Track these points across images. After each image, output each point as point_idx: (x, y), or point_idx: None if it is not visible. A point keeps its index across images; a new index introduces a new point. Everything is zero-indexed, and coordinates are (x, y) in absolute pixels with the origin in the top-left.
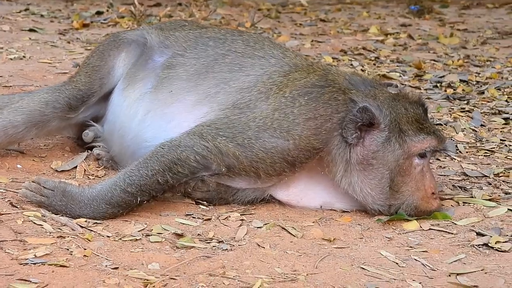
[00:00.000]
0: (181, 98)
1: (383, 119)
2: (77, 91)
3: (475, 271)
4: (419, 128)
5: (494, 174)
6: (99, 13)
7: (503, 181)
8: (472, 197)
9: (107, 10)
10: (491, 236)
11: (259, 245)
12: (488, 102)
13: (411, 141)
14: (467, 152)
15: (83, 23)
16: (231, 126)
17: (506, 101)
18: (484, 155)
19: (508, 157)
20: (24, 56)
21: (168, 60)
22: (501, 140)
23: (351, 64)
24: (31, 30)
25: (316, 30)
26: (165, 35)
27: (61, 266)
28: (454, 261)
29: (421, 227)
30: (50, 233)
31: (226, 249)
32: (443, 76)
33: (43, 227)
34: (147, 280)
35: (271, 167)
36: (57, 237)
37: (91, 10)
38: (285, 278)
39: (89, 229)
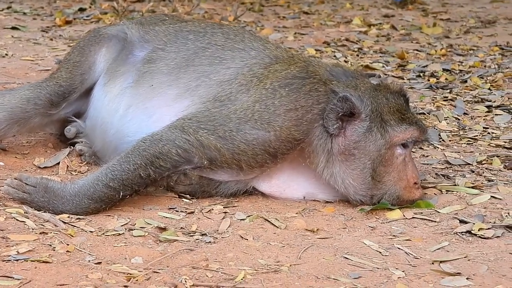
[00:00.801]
0: (162, 92)
1: (364, 109)
2: (58, 87)
3: (458, 259)
4: (401, 118)
5: (477, 162)
6: (81, 9)
7: (486, 169)
8: (455, 185)
9: (90, 7)
10: (474, 224)
11: (242, 237)
12: (471, 90)
13: (393, 131)
14: (450, 140)
15: (65, 20)
16: (212, 119)
17: (489, 89)
18: (467, 143)
19: (491, 144)
20: (6, 54)
21: (148, 54)
22: (484, 128)
23: (334, 56)
24: (13, 28)
25: (299, 23)
26: (145, 29)
27: (43, 262)
28: (437, 249)
29: (404, 216)
30: (32, 229)
31: (209, 242)
32: (426, 66)
33: (25, 224)
34: (130, 274)
35: (253, 159)
36: (40, 233)
37: (73, 7)
38: (268, 269)
39: (72, 225)
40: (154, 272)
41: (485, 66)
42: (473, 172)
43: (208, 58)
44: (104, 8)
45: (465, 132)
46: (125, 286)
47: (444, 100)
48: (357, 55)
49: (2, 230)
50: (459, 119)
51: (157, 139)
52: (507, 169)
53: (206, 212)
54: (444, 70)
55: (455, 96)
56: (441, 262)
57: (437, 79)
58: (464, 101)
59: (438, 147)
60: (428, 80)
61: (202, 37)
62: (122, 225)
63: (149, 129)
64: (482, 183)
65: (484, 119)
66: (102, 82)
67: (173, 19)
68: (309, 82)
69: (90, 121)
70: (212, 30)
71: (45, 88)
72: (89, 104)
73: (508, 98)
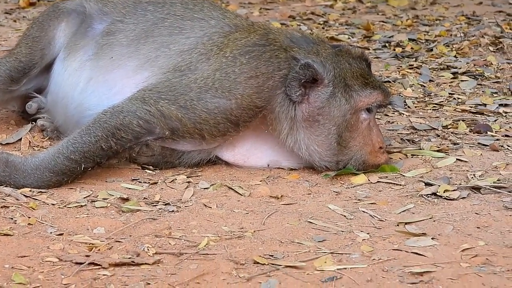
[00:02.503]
0: (122, 64)
1: (327, 74)
2: (18, 63)
3: (423, 220)
4: (364, 82)
5: (442, 126)
6: None
7: (451, 133)
8: (421, 149)
9: None
10: (439, 186)
11: (205, 206)
12: (437, 58)
13: (358, 95)
14: (415, 107)
15: (29, 2)
16: (173, 89)
17: (455, 56)
18: (432, 109)
19: (456, 109)
20: None
21: (107, 27)
22: (449, 93)
23: (300, 29)
24: None
25: None
26: (104, 2)
27: (4, 235)
28: (403, 211)
29: (369, 180)
30: None
31: (173, 211)
32: (392, 36)
33: None
34: (92, 244)
35: (215, 127)
36: (1, 207)
37: None
38: (232, 236)
39: (33, 198)
40: (117, 241)
41: (451, 35)
42: (438, 136)
43: (168, 29)
44: None
45: (431, 98)
46: (87, 255)
47: (410, 68)
48: (323, 28)
49: None
50: (424, 86)
51: (118, 110)
52: (473, 133)
53: (170, 182)
54: (410, 40)
55: (421, 64)
56: (406, 223)
57: (402, 48)
58: (429, 69)
59: (403, 113)
60: (394, 50)
61: (161, 8)
62: (84, 197)
63: (110, 101)
64: (447, 146)
65: (449, 85)
66: (62, 57)
67: None
68: (269, 49)
69: (51, 96)
70: (171, 0)
71: (5, 64)
72: (49, 79)
73: (474, 65)
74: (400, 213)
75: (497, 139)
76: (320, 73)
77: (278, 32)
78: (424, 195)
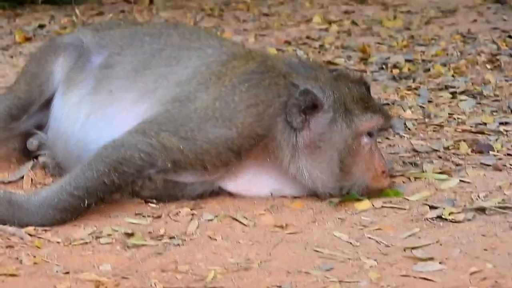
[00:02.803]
0: (120, 97)
1: (327, 100)
2: (17, 100)
3: (430, 244)
4: (364, 107)
5: (444, 148)
6: (41, 26)
7: (453, 154)
8: (423, 171)
9: (49, 23)
10: (444, 208)
11: (211, 238)
12: (434, 78)
13: (359, 120)
14: (416, 128)
15: (25, 37)
16: (173, 120)
17: (452, 76)
18: (433, 130)
19: (457, 130)
20: None
21: (105, 60)
22: (449, 114)
23: (296, 54)
24: None
25: (259, 25)
26: (101, 35)
27: (11, 275)
28: (409, 236)
29: (373, 205)
30: None
31: (178, 244)
32: (388, 58)
33: None
34: (99, 281)
35: (217, 158)
36: (6, 247)
37: (33, 24)
38: (238, 268)
39: (38, 237)
40: (123, 278)
41: (447, 54)
42: (440, 158)
43: (165, 60)
44: (63, 23)
45: (431, 119)
46: None
47: (408, 90)
48: (319, 52)
49: None
50: (423, 107)
51: (119, 144)
52: (475, 153)
53: (174, 215)
54: (406, 60)
55: (419, 84)
56: (413, 248)
57: (400, 70)
58: (428, 89)
59: (404, 136)
60: (391, 72)
61: (158, 39)
62: (89, 234)
63: (111, 135)
64: (450, 168)
65: (449, 105)
66: (61, 92)
67: (128, 23)
68: (268, 77)
69: (52, 132)
70: (167, 31)
71: (4, 101)
72: (49, 115)
73: (472, 84)
74: (406, 237)
75: (500, 159)
76: (320, 99)
77: (276, 58)
78: (429, 218)
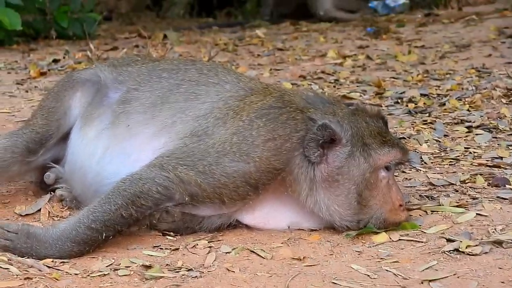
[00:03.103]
0: (138, 131)
1: (344, 134)
2: (35, 134)
3: (447, 276)
4: (382, 141)
5: (460, 181)
6: (55, 61)
7: (469, 187)
8: (440, 205)
9: (64, 57)
10: (461, 241)
11: (228, 270)
12: (450, 112)
13: (376, 154)
14: (432, 162)
15: (40, 72)
16: (191, 154)
17: (468, 110)
18: (449, 164)
19: (473, 163)
20: None
21: (123, 95)
22: (465, 148)
23: (311, 88)
24: None
25: (274, 59)
26: (118, 71)
27: None
28: (426, 269)
29: (390, 238)
30: (17, 275)
31: (196, 277)
32: (404, 92)
33: (9, 271)
34: None
35: (234, 191)
36: (24, 278)
37: (47, 58)
38: None
39: (56, 269)
40: None
41: (462, 89)
42: (457, 191)
43: (183, 94)
44: (77, 58)
45: (447, 153)
46: None
47: (424, 124)
48: (334, 86)
49: None
50: (440, 141)
51: (137, 178)
52: (491, 187)
53: (191, 248)
54: (422, 95)
55: (434, 119)
56: (430, 281)
57: (415, 104)
58: (443, 124)
59: (420, 170)
60: (407, 106)
61: (175, 74)
62: (107, 266)
63: (128, 169)
64: (466, 201)
65: (465, 139)
66: (78, 126)
67: (146, 59)
68: (285, 111)
69: (69, 166)
70: (185, 66)
71: (22, 135)
72: (67, 149)
73: (488, 118)
74: (423, 270)
75: None
76: (338, 133)
77: (293, 93)
78: (447, 251)
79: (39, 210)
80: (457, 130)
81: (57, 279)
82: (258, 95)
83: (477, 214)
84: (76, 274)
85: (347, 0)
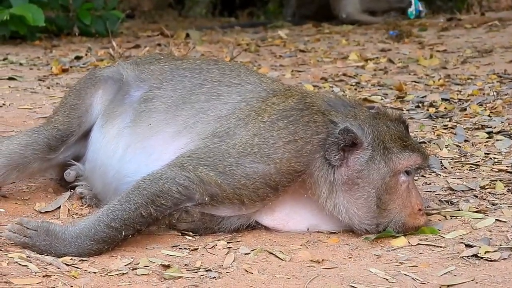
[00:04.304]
0: (160, 130)
1: (366, 138)
2: (56, 131)
3: (465, 282)
4: (403, 145)
5: (480, 187)
6: (78, 57)
7: (489, 193)
8: (459, 210)
9: (86, 54)
10: (480, 247)
11: (247, 271)
12: (471, 118)
13: (397, 158)
14: (452, 167)
15: (62, 68)
16: (212, 154)
17: (489, 115)
18: (469, 169)
19: (493, 169)
20: (4, 104)
21: (145, 93)
22: (485, 153)
23: (332, 91)
24: (10, 78)
25: (296, 61)
26: (141, 69)
27: None
28: (444, 274)
29: (409, 242)
30: (35, 273)
31: (214, 277)
32: (425, 96)
33: (28, 268)
34: None
35: (254, 192)
36: (43, 276)
37: (70, 55)
38: None
39: (75, 267)
40: None
41: (483, 94)
42: (476, 197)
43: (205, 95)
44: (100, 55)
45: (467, 158)
46: None
47: (444, 129)
48: (355, 89)
49: (5, 275)
50: (460, 146)
51: (157, 177)
52: (511, 193)
53: (210, 248)
54: (443, 99)
55: (455, 124)
56: (448, 286)
57: (436, 108)
58: (464, 129)
59: (440, 174)
60: (427, 110)
61: (198, 74)
62: (125, 265)
63: (149, 168)
64: (486, 207)
65: (485, 145)
66: (99, 124)
67: (168, 57)
68: (307, 114)
69: (89, 163)
70: (207, 66)
71: (43, 132)
72: (87, 146)
73: (509, 124)
74: (441, 275)
75: None
76: (359, 137)
77: (315, 96)
78: (465, 256)
79: (59, 207)
80: (478, 136)
81: (76, 277)
82: (280, 96)
83: (496, 220)
84: (94, 272)
85: (377, 1)
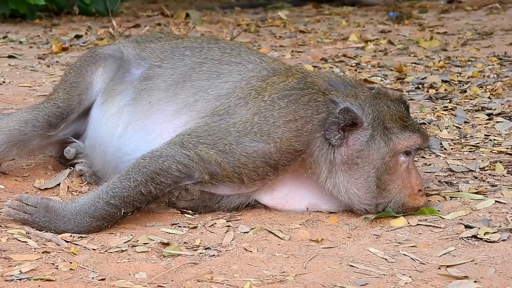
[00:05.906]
0: (160, 108)
1: (366, 118)
2: (56, 108)
3: (465, 262)
4: (403, 125)
5: (480, 168)
6: (78, 36)
7: (489, 174)
8: (459, 191)
9: (86, 33)
10: (479, 228)
11: (246, 250)
12: (471, 99)
13: (397, 138)
14: (452, 148)
15: (62, 47)
16: (212, 133)
17: (489, 97)
18: (469, 151)
19: (493, 151)
20: (3, 81)
21: (145, 72)
22: (485, 135)
23: (332, 71)
24: (10, 56)
25: (296, 41)
26: (141, 47)
27: (47, 280)
28: (444, 254)
29: (408, 223)
30: (35, 249)
31: (213, 255)
32: (425, 78)
33: (27, 244)
34: None
35: (254, 171)
36: (42, 252)
37: (70, 34)
38: (273, 280)
39: (74, 243)
40: (159, 286)
41: (484, 76)
42: (476, 178)
43: (206, 73)
44: (100, 34)
45: (467, 140)
46: None
47: (444, 110)
48: (355, 70)
49: (4, 250)
50: (460, 128)
51: (157, 155)
52: (511, 174)
53: (209, 227)
54: (443, 81)
55: (455, 105)
56: (448, 266)
57: (436, 90)
58: (464, 110)
59: (440, 156)
60: (427, 91)
61: (198, 53)
62: (125, 242)
63: (149, 146)
64: (485, 188)
65: (485, 126)
66: (100, 102)
67: (169, 36)
68: (307, 93)
69: (89, 141)
70: (208, 45)
71: (43, 109)
72: (87, 124)
73: (509, 106)
74: (441, 256)
75: None
76: (360, 117)
77: (316, 75)
78: (465, 237)
79: (58, 184)
80: (478, 117)
81: (75, 254)
82: (281, 76)
83: (495, 201)
84: (94, 249)
85: None
